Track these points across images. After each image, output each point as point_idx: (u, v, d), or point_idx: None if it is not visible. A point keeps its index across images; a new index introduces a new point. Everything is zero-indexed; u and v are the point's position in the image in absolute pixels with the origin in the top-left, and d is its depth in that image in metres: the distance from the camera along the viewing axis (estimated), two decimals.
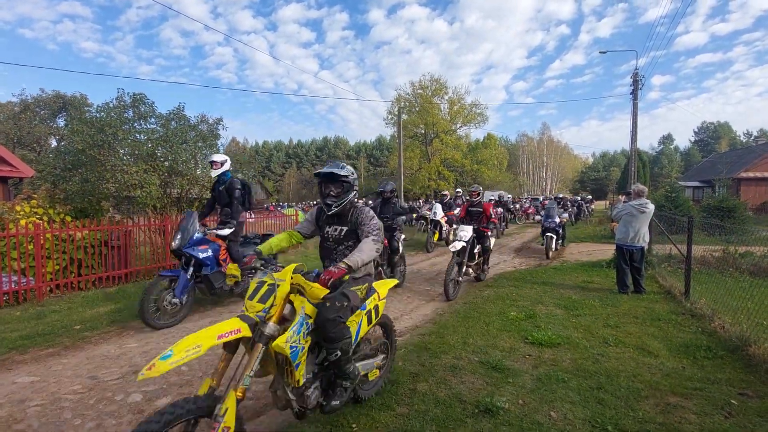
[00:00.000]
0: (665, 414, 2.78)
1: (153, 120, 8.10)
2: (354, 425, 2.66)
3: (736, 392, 3.06)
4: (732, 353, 3.76)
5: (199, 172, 8.82)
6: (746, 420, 2.68)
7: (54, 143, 26.11)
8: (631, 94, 17.93)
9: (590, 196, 31.13)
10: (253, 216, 12.32)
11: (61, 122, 27.32)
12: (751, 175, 27.29)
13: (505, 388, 3.16)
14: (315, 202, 30.55)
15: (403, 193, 17.74)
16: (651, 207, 6.12)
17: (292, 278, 2.35)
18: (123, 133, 7.39)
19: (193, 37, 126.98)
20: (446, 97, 36.99)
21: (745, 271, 6.60)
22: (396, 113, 27.01)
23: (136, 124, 7.93)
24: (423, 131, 37.60)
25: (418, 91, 36.52)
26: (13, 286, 5.84)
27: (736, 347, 3.81)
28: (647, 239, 6.33)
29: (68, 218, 7.15)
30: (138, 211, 8.68)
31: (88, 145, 7.03)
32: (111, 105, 7.74)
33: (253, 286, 2.29)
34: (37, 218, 6.85)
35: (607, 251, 9.80)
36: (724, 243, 7.82)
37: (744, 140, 64.98)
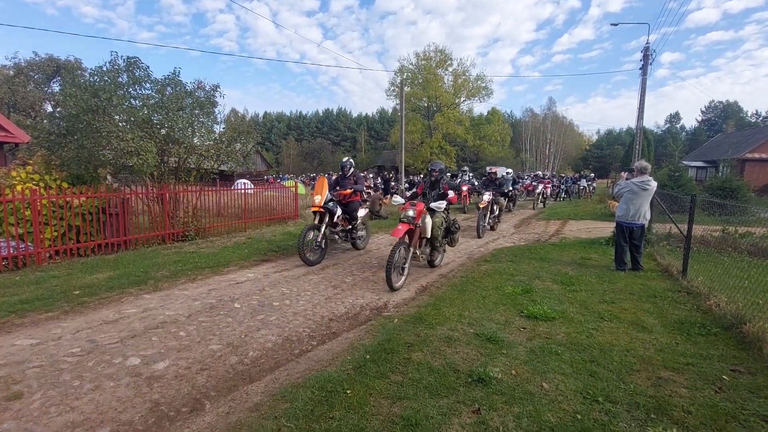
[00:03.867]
0: (656, 387, 2.81)
1: (148, 86, 7.86)
2: (349, 391, 2.70)
3: (728, 368, 3.08)
4: (726, 331, 3.78)
5: (196, 140, 8.65)
6: (736, 395, 2.71)
7: (49, 108, 25.65)
8: (640, 69, 17.44)
9: (593, 174, 30.94)
10: (252, 187, 12.26)
11: (56, 87, 26.74)
12: (756, 156, 26.96)
13: (499, 359, 3.19)
14: (313, 175, 30.26)
15: (403, 168, 17.56)
16: (653, 184, 6.03)
17: None
18: (118, 99, 7.20)
19: (194, 4, 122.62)
20: (450, 69, 36.09)
21: (743, 251, 6.58)
22: (399, 85, 26.37)
23: (131, 89, 7.71)
24: (426, 104, 36.88)
25: (422, 62, 35.54)
26: (11, 251, 5.85)
27: (730, 325, 3.83)
28: (648, 217, 6.27)
29: (65, 185, 7.08)
30: (136, 180, 8.59)
31: (82, 110, 6.87)
32: (104, 69, 7.50)
33: None
34: (34, 184, 6.78)
35: (607, 229, 9.78)
36: (724, 223, 7.77)
37: (753, 120, 63.75)
